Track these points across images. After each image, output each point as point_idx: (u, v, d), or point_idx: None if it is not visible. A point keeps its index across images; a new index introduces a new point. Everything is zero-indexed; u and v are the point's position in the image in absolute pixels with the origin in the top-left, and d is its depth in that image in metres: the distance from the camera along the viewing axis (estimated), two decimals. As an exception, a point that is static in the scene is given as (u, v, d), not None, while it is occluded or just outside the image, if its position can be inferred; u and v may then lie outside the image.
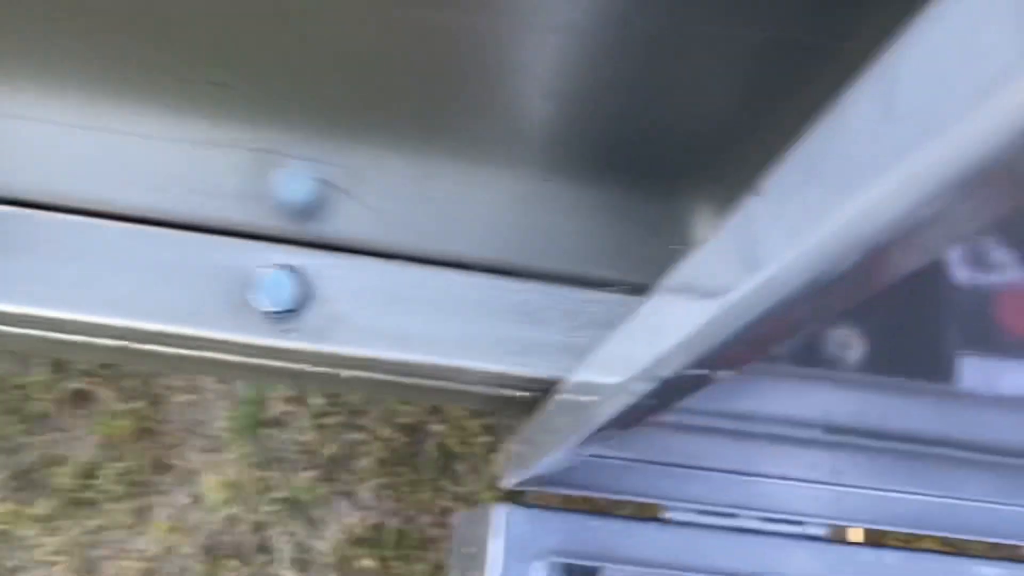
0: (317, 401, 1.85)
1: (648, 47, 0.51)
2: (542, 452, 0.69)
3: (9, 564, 1.75)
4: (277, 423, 1.84)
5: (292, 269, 0.65)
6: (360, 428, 1.87)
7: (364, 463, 1.86)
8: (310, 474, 1.83)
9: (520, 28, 0.50)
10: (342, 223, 0.67)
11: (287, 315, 0.64)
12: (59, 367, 1.81)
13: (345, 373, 0.73)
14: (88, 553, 1.76)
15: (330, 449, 1.85)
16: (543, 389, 0.71)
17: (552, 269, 0.69)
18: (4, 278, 0.64)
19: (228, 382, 1.82)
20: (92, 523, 1.77)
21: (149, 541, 1.78)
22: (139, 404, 1.81)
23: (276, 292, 0.64)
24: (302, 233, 0.67)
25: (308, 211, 0.66)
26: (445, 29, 0.50)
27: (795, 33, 0.50)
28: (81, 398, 1.81)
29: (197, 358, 0.72)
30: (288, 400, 1.85)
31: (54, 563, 1.75)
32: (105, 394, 1.81)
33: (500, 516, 0.75)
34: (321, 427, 1.85)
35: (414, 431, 1.89)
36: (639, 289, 0.71)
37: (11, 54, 0.57)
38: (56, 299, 0.63)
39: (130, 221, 0.65)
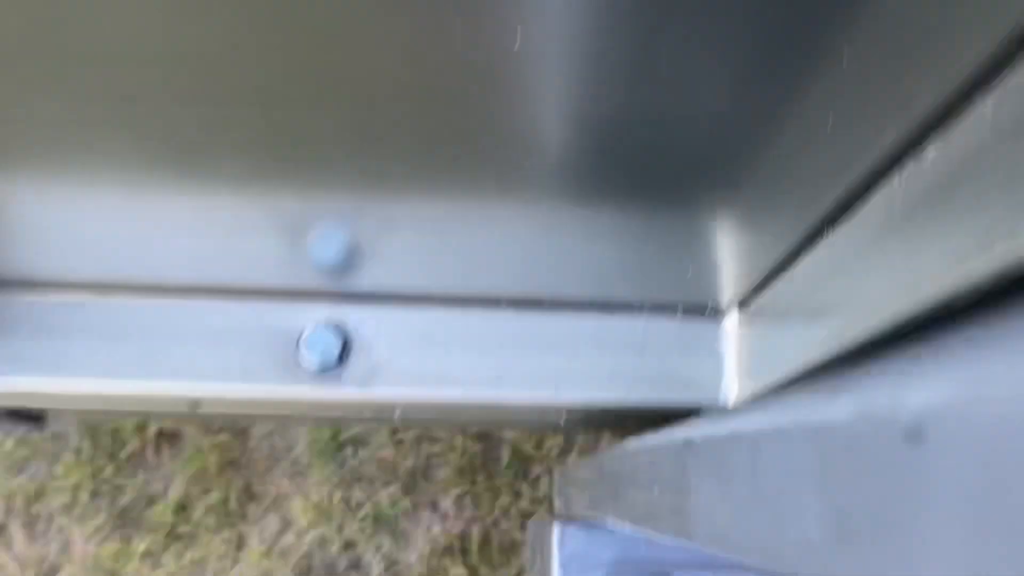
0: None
1: (654, 53, 0.53)
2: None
3: (120, 599, 1.85)
4: (356, 443, 1.91)
5: (333, 325, 0.69)
6: (435, 440, 1.92)
7: (443, 474, 1.92)
8: (392, 489, 1.89)
9: (532, 52, 0.53)
10: (375, 274, 0.70)
11: (332, 368, 0.69)
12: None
13: (398, 413, 0.77)
14: (191, 583, 1.86)
15: (409, 463, 1.91)
16: (580, 413, 0.74)
17: (577, 296, 0.72)
18: (71, 358, 0.69)
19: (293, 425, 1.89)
20: (192, 555, 1.86)
21: (246, 568, 1.86)
22: (223, 437, 1.90)
23: (320, 348, 0.69)
24: (339, 288, 0.71)
25: (342, 267, 0.70)
26: (460, 66, 0.53)
27: (803, 32, 0.51)
28: (169, 437, 1.90)
29: (262, 413, 0.77)
30: (364, 420, 1.91)
31: (161, 595, 1.85)
32: (190, 431, 1.90)
33: (556, 534, 0.78)
34: (398, 443, 1.91)
35: (488, 439, 1.93)
36: (664, 308, 0.73)
37: (54, 147, 0.62)
38: (120, 373, 0.69)
39: (179, 295, 0.70)
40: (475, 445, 1.93)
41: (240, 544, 1.87)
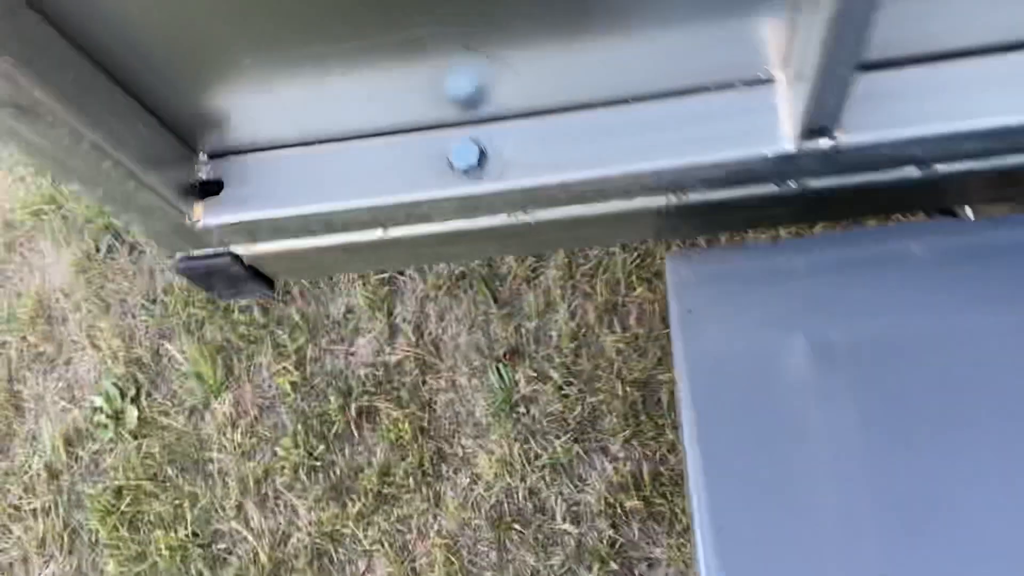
0: (555, 375, 2.10)
1: None
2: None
3: (341, 557, 2.11)
4: (527, 401, 2.12)
5: (472, 140, 0.92)
6: (597, 391, 2.10)
7: (608, 421, 2.09)
8: (564, 439, 2.08)
9: None
10: (498, 101, 0.93)
11: (474, 170, 0.91)
12: (346, 393, 2.19)
13: (532, 219, 0.98)
14: (399, 539, 2.09)
15: (576, 414, 2.10)
16: (679, 188, 0.93)
17: (655, 91, 0.92)
18: (288, 194, 0.95)
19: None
20: (397, 513, 2.10)
21: (445, 520, 2.08)
22: (412, 409, 2.15)
23: (463, 155, 0.91)
24: (473, 115, 0.94)
25: (473, 99, 0.93)
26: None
27: None
28: (367, 413, 2.17)
29: (429, 238, 1.01)
30: (531, 380, 2.12)
31: (375, 551, 2.09)
32: (384, 406, 2.16)
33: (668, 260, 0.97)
34: (564, 397, 2.10)
35: (645, 385, 2.10)
36: (726, 85, 0.91)
37: (256, 51, 0.88)
38: (325, 199, 0.94)
39: (355, 140, 0.96)
40: (634, 391, 2.09)
41: (438, 500, 2.10)
